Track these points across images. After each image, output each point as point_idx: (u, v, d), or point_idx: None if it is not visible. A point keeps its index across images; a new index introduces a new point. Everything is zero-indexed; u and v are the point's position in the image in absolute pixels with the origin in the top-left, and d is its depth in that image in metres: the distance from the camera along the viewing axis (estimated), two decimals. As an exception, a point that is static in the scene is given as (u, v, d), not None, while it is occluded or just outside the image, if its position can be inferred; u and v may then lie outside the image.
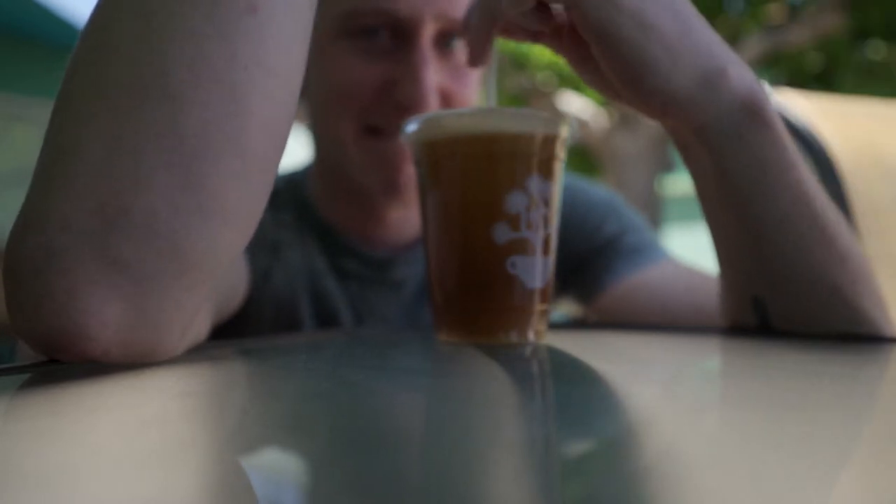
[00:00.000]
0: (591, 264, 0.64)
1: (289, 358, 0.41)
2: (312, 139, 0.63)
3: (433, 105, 0.54)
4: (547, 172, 0.39)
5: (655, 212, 4.24)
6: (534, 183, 0.38)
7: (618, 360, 0.39)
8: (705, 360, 0.39)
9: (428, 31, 0.52)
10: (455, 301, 0.40)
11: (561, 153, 0.40)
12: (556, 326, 0.52)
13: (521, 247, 0.38)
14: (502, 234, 0.38)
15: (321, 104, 0.58)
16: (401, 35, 0.53)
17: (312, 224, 0.64)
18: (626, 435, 0.22)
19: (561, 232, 0.41)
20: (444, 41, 0.54)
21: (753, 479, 0.16)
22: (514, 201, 0.38)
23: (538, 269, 0.39)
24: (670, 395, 0.28)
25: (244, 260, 0.55)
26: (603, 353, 0.41)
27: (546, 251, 0.39)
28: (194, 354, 0.40)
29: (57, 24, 4.83)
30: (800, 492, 0.15)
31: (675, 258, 0.65)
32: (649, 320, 0.58)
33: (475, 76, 0.57)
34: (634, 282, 0.61)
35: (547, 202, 0.39)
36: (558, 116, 0.39)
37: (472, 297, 0.39)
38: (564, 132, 0.40)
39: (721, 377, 0.33)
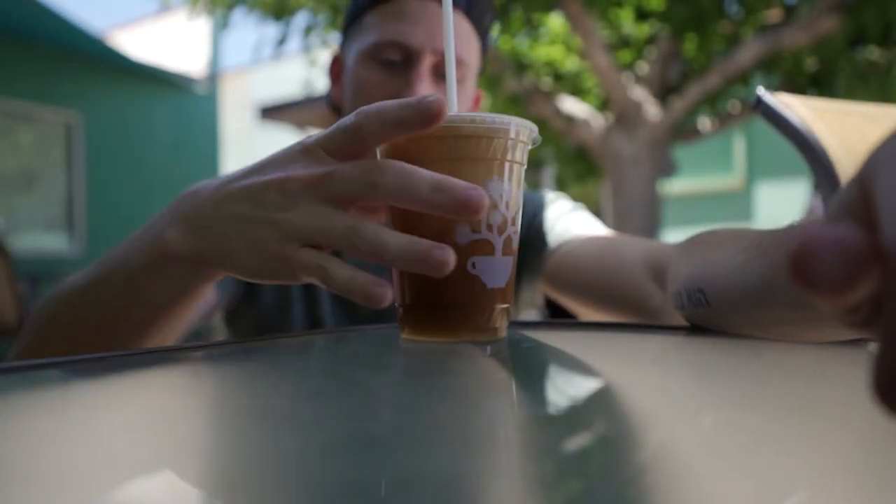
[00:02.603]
0: (535, 243, 0.79)
1: (288, 357, 0.41)
2: None
3: None
4: (507, 175, 0.40)
5: (655, 213, 4.24)
6: (493, 185, 0.39)
7: (615, 359, 0.39)
8: (702, 359, 0.40)
9: (427, 61, 0.72)
10: (418, 300, 0.40)
11: (521, 157, 0.41)
12: (554, 326, 0.52)
13: (481, 248, 0.39)
14: (463, 235, 0.39)
15: (350, 108, 0.75)
16: (409, 62, 0.72)
17: None
18: (622, 434, 0.22)
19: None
20: (439, 72, 0.73)
21: (750, 478, 0.16)
22: (520, 208, 0.39)
23: (498, 270, 0.40)
24: (667, 394, 0.28)
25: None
26: (600, 353, 0.41)
27: (506, 251, 0.40)
28: (193, 353, 0.40)
29: (59, 28, 4.83)
30: (797, 491, 0.16)
31: (599, 228, 0.79)
32: (575, 281, 0.73)
33: (466, 100, 0.75)
34: (564, 249, 0.76)
35: (507, 204, 0.40)
36: (519, 121, 0.40)
37: (433, 296, 0.40)
38: (524, 137, 0.40)
39: (717, 377, 0.33)
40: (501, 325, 0.41)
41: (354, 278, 0.37)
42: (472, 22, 0.74)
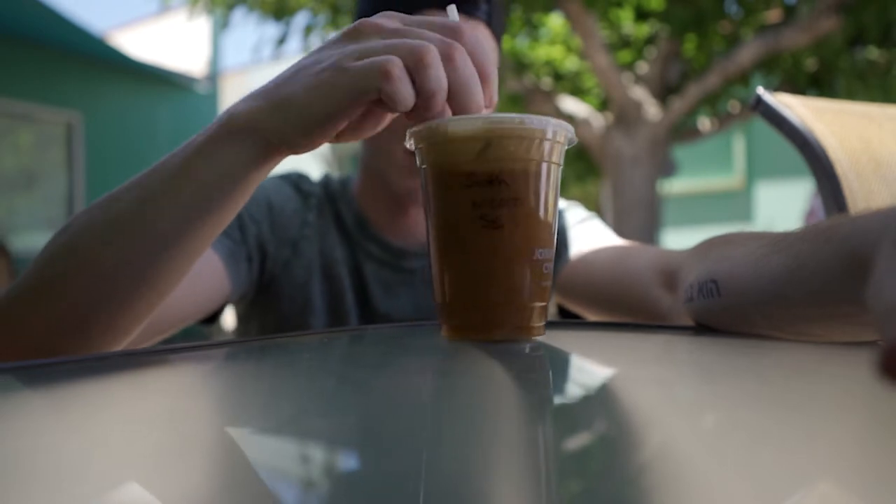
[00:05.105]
0: None
1: (294, 356, 0.41)
2: (363, 155, 0.83)
3: None
4: (545, 175, 0.40)
5: (655, 213, 4.24)
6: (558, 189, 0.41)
7: (618, 359, 0.39)
8: (705, 359, 0.40)
9: None
10: (465, 298, 0.40)
11: (558, 158, 0.41)
12: (556, 326, 0.52)
13: (552, 251, 0.41)
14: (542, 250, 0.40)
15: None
16: None
17: (349, 216, 0.82)
18: (625, 433, 0.22)
19: None
20: None
21: (752, 478, 0.16)
22: (556, 208, 0.40)
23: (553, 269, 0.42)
24: (671, 393, 0.28)
25: (219, 276, 0.69)
26: (603, 352, 0.41)
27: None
28: (199, 352, 0.40)
29: (60, 28, 4.82)
30: (798, 490, 0.16)
31: (611, 238, 0.79)
32: (587, 290, 0.73)
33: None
34: (577, 259, 0.76)
35: (555, 206, 0.41)
36: (557, 122, 0.40)
37: (488, 293, 0.39)
38: (561, 137, 0.40)
39: (720, 377, 0.33)
40: (542, 322, 0.41)
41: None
42: (492, 30, 0.74)
